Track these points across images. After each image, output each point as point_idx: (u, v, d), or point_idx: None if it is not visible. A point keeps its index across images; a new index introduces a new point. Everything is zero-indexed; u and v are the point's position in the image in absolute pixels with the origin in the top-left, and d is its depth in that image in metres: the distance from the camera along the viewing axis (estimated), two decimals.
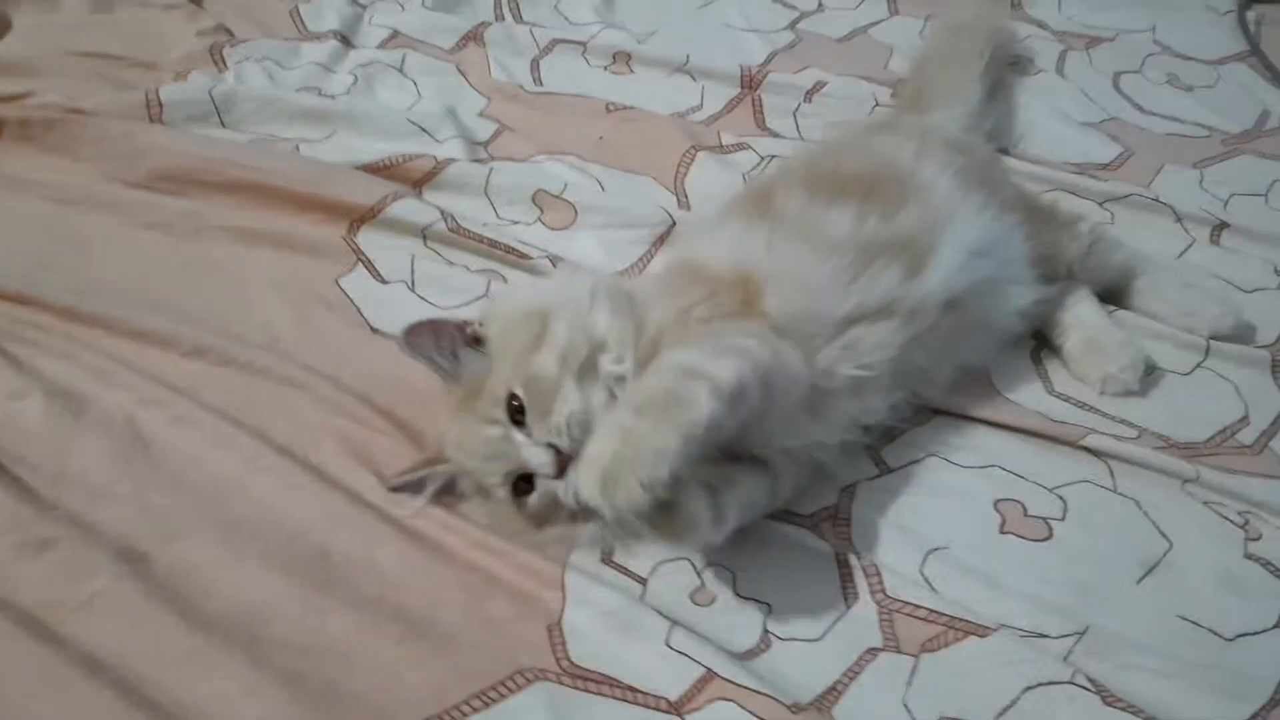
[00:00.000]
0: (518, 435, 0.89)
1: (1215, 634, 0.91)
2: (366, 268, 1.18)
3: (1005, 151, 1.39)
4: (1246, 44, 1.62)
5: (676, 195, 1.32)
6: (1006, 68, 1.49)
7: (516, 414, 0.89)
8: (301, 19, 1.55)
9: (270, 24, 1.53)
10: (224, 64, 1.45)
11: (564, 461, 0.87)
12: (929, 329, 0.99)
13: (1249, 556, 0.97)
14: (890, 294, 0.97)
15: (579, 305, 0.92)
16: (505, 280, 1.19)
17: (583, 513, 0.88)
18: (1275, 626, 0.92)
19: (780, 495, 0.96)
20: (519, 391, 0.89)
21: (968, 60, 1.40)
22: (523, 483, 0.91)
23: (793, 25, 1.61)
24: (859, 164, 1.10)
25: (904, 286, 0.98)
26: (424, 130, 1.36)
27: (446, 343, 0.94)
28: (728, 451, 0.90)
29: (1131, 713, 0.84)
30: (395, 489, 0.95)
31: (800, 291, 0.94)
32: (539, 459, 0.88)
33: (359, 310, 1.14)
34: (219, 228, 1.20)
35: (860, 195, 1.02)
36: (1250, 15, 1.69)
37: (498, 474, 0.91)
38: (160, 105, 1.34)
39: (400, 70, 1.47)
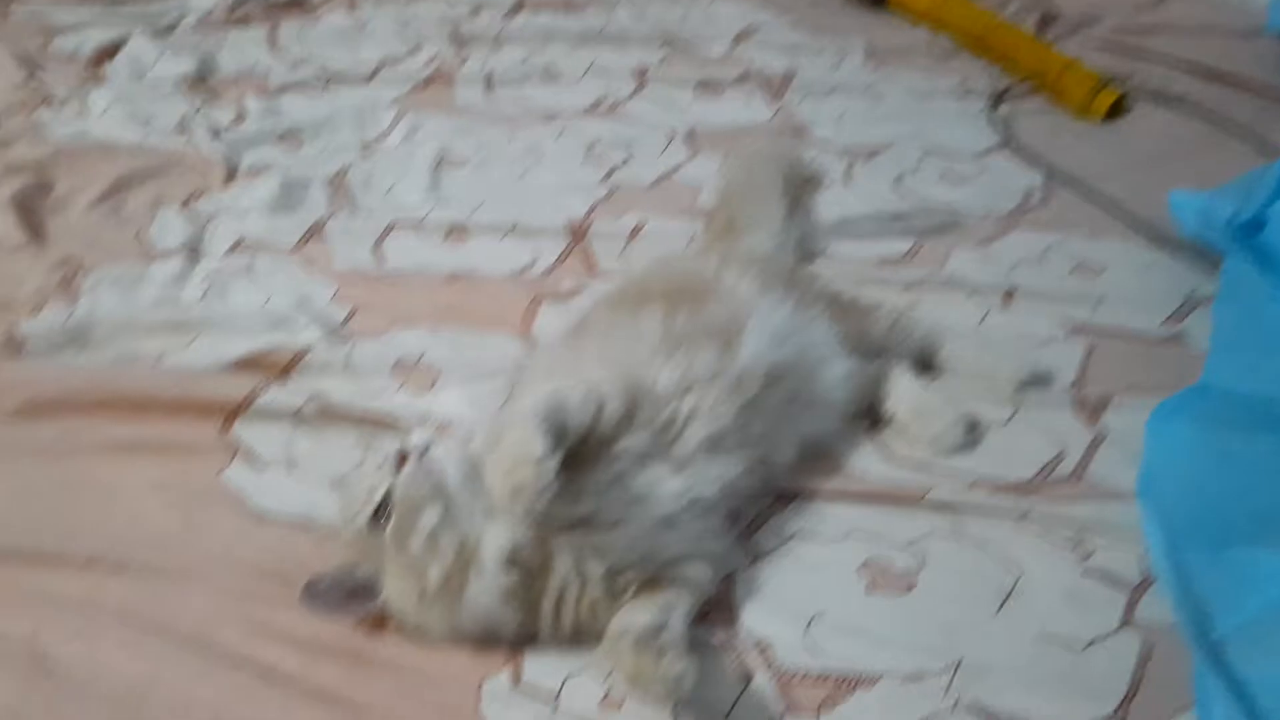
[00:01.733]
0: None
1: (1069, 646, 1.02)
2: (245, 458, 1.23)
3: (816, 256, 1.55)
4: (999, 137, 1.85)
5: (528, 344, 1.41)
6: (802, 185, 1.66)
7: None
8: (148, 240, 1.61)
9: (117, 249, 1.57)
10: (77, 293, 1.49)
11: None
12: (759, 397, 1.14)
13: (1086, 573, 1.09)
14: (711, 366, 1.12)
15: None
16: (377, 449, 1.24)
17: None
18: (1119, 628, 1.04)
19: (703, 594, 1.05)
20: None
21: (764, 188, 1.55)
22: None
23: (606, 179, 1.75)
24: (664, 281, 1.27)
25: (721, 361, 1.13)
26: (281, 323, 1.43)
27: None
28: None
29: None
30: (309, 596, 1.00)
31: (621, 371, 1.09)
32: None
33: (244, 498, 1.18)
34: (94, 444, 1.23)
35: (666, 302, 1.18)
36: (1002, 110, 1.93)
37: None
38: (20, 340, 1.38)
39: (249, 273, 1.54)
